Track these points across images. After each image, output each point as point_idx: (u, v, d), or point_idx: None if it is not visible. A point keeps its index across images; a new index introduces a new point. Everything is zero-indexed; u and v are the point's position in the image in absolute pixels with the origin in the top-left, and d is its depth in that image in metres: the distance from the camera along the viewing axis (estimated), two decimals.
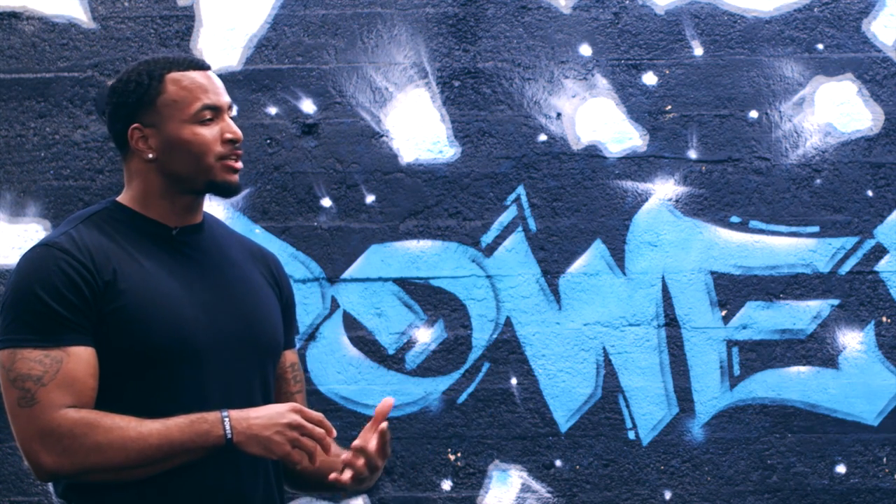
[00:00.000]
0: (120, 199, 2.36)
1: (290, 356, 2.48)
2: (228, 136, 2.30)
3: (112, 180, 4.07)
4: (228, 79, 4.06)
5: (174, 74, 2.31)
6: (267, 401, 2.34)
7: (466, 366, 4.00)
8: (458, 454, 3.99)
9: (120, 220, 2.31)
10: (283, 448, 2.17)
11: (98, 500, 2.21)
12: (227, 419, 2.17)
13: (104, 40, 4.12)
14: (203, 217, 2.39)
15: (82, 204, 4.06)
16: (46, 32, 4.12)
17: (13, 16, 4.13)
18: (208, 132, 2.29)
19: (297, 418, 2.18)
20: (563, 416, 3.99)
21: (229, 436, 2.16)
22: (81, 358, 2.18)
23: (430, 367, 4.01)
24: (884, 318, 3.99)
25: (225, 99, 2.33)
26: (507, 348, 4.00)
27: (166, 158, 2.30)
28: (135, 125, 2.30)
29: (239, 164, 2.33)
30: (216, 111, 2.31)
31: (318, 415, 2.21)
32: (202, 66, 2.34)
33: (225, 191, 2.33)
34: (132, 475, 2.18)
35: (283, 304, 2.46)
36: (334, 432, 2.23)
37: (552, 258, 4.02)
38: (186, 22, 4.12)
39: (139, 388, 2.22)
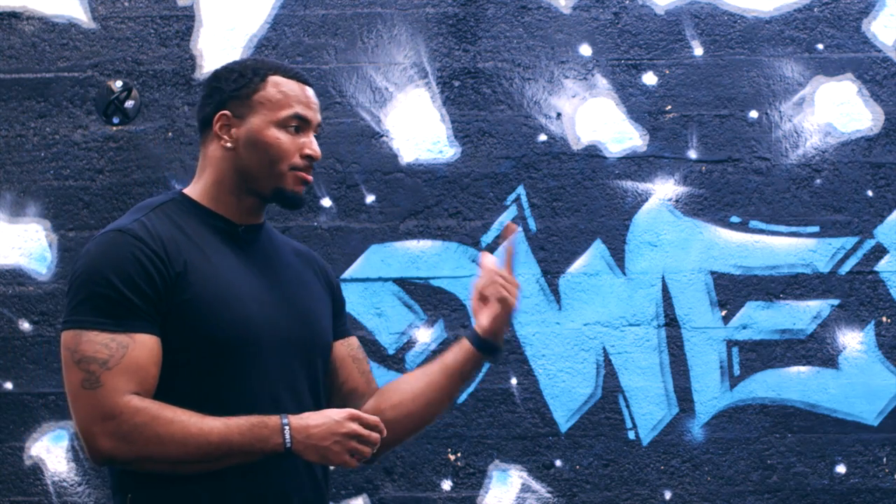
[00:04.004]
0: (187, 191, 2.39)
1: (353, 340, 2.55)
2: (308, 151, 2.35)
3: (112, 180, 4.07)
4: None
5: (277, 78, 2.36)
6: (316, 398, 2.38)
7: None
8: (458, 454, 4.00)
9: (188, 212, 2.34)
10: (341, 457, 2.20)
11: (154, 491, 2.23)
12: (287, 427, 2.19)
13: (104, 40, 4.12)
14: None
15: (82, 204, 4.06)
16: (46, 32, 4.12)
17: (13, 16, 4.13)
18: (290, 141, 2.34)
19: (354, 427, 2.21)
20: (563, 416, 3.99)
21: (288, 444, 2.19)
22: (146, 346, 2.20)
23: None
24: (884, 318, 3.99)
25: (317, 117, 2.38)
26: (507, 348, 4.00)
27: (243, 152, 2.33)
28: (224, 111, 2.34)
29: (310, 178, 2.36)
30: (305, 124, 2.36)
31: (375, 419, 2.24)
32: (306, 81, 2.40)
33: (291, 201, 2.37)
34: (185, 469, 2.20)
35: (337, 302, 2.52)
36: (385, 432, 2.26)
37: (552, 258, 4.02)
38: (186, 22, 4.12)
39: (196, 379, 2.24)
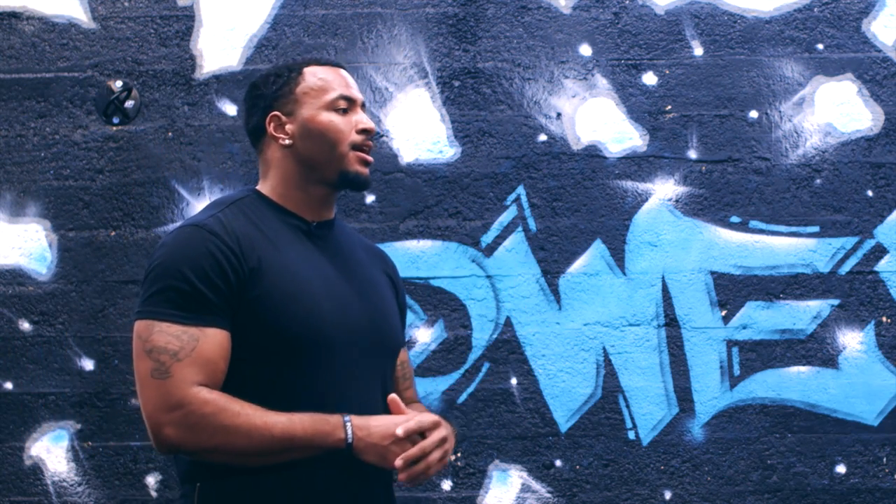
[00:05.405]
0: (259, 188, 2.43)
1: (402, 354, 2.57)
2: (362, 126, 2.40)
3: (112, 180, 4.07)
4: (228, 79, 4.07)
5: (312, 68, 2.43)
6: (385, 396, 2.39)
7: (466, 366, 4.00)
8: (458, 454, 3.99)
9: (262, 208, 2.38)
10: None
11: (223, 482, 2.25)
12: (349, 424, 2.22)
13: (104, 40, 4.11)
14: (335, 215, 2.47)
15: (82, 204, 4.06)
16: (46, 32, 4.12)
17: (13, 16, 4.13)
18: (343, 121, 2.39)
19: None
20: (563, 416, 3.99)
21: (350, 441, 2.22)
22: (216, 339, 2.23)
23: (430, 367, 4.01)
24: (884, 318, 3.99)
25: (359, 94, 2.44)
26: (507, 348, 4.00)
27: (302, 144, 2.38)
28: (273, 113, 2.40)
29: (371, 158, 2.41)
30: (350, 102, 2.42)
31: (435, 418, 2.28)
32: (339, 65, 2.47)
33: (356, 183, 2.41)
34: (249, 462, 2.22)
35: (400, 304, 2.55)
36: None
37: (552, 258, 4.02)
38: (186, 22, 4.12)
39: (266, 374, 2.26)
